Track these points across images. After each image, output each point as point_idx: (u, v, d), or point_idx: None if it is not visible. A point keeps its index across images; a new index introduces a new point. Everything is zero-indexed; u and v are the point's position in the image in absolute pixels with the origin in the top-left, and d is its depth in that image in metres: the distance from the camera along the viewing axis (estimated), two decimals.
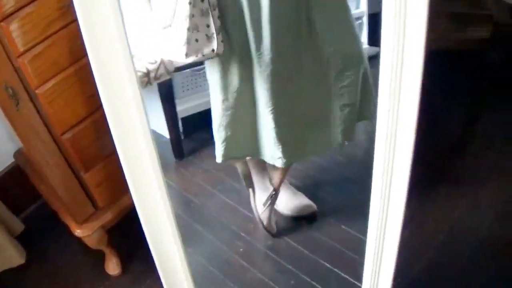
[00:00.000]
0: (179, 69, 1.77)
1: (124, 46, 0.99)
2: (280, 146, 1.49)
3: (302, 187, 1.91)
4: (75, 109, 1.36)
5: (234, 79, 1.44)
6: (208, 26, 1.34)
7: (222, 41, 1.35)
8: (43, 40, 1.23)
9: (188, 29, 1.32)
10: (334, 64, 1.46)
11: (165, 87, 1.93)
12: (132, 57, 1.01)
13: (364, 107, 1.55)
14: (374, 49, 2.21)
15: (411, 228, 1.71)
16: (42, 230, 1.99)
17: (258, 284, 1.65)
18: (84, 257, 1.86)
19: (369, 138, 1.08)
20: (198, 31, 1.34)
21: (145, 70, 1.75)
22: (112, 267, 1.77)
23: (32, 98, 1.30)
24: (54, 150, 1.41)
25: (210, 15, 1.32)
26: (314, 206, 1.83)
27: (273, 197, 1.74)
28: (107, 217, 1.63)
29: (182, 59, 1.39)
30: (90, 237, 1.63)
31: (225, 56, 1.41)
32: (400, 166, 1.05)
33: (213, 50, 1.36)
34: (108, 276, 1.78)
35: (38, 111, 1.33)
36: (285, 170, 1.66)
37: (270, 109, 1.43)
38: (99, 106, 1.12)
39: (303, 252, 1.72)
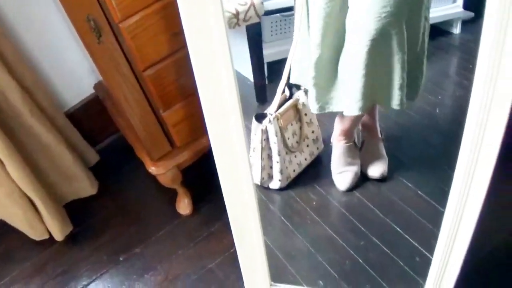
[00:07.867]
0: (269, 12, 1.71)
1: None
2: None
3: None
4: (158, 46, 1.32)
5: (329, 35, 1.41)
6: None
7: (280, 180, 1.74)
8: None
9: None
10: None
11: (254, 30, 1.88)
12: None
13: (412, 85, 1.50)
14: (468, 14, 2.29)
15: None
16: (116, 163, 2.02)
17: (327, 240, 1.62)
18: (156, 194, 1.88)
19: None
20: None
21: (234, 12, 1.71)
22: (183, 207, 1.78)
23: (115, 32, 1.27)
24: (135, 85, 1.39)
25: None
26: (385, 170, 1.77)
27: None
28: (183, 157, 1.62)
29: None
30: (164, 175, 1.62)
31: (326, 15, 1.38)
32: (490, 141, 0.97)
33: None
34: (178, 215, 1.80)
35: (120, 46, 1.30)
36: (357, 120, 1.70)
37: (365, 63, 1.39)
38: (183, 46, 1.08)
39: (376, 213, 1.66)
